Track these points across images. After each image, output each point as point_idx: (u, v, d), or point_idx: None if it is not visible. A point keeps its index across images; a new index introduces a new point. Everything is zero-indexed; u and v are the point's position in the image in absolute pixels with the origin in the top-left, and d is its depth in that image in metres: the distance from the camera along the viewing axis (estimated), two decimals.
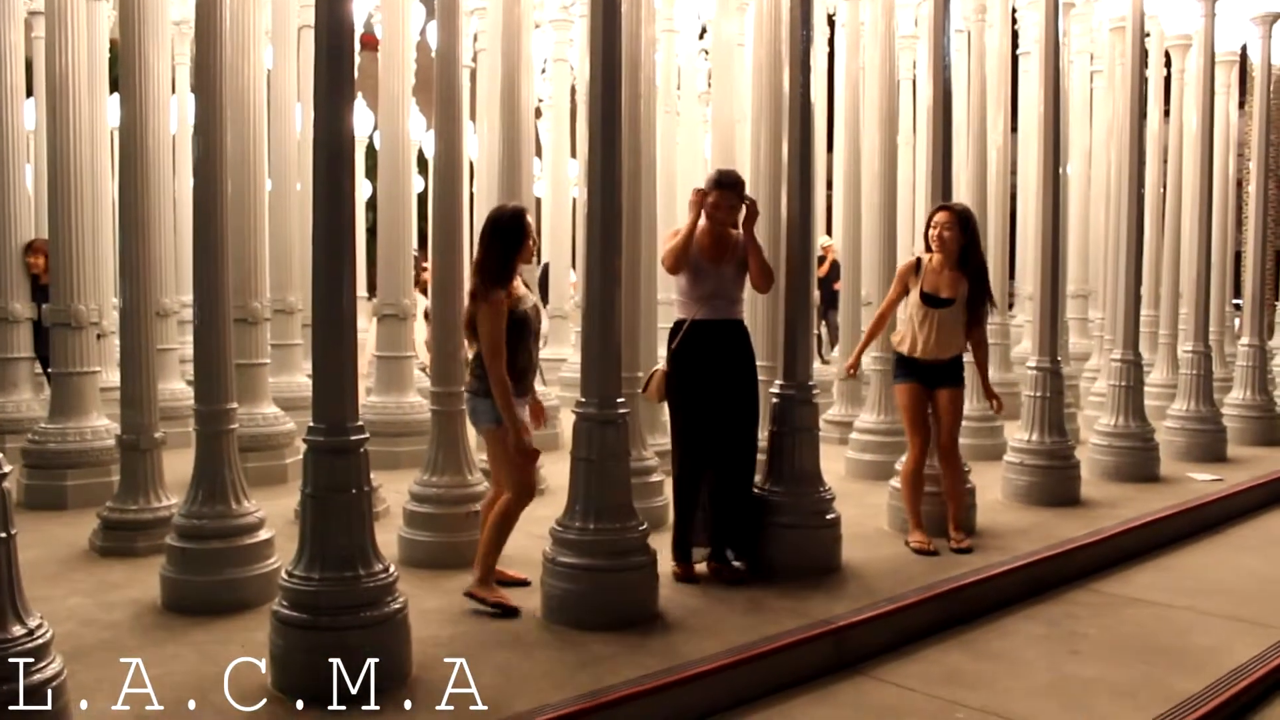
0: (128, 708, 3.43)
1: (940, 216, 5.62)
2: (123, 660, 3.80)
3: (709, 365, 4.91)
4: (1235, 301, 11.33)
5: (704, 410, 4.89)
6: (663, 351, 6.08)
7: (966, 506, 5.77)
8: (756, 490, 5.13)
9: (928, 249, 5.69)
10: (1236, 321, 11.24)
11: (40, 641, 3.04)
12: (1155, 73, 10.26)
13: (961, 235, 5.57)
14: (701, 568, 4.92)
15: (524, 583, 4.60)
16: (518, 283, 4.47)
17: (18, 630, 2.99)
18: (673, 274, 4.99)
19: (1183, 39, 9.35)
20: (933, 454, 5.68)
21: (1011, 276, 10.52)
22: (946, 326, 5.56)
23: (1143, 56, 8.24)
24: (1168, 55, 10.14)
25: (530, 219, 4.52)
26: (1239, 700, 4.05)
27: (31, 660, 2.99)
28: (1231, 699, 4.01)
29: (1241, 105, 11.64)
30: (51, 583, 4.69)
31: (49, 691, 3.01)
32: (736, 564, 4.94)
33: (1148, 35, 9.69)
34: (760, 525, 5.02)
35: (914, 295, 5.63)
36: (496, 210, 4.56)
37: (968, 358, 5.79)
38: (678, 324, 4.98)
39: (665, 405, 5.16)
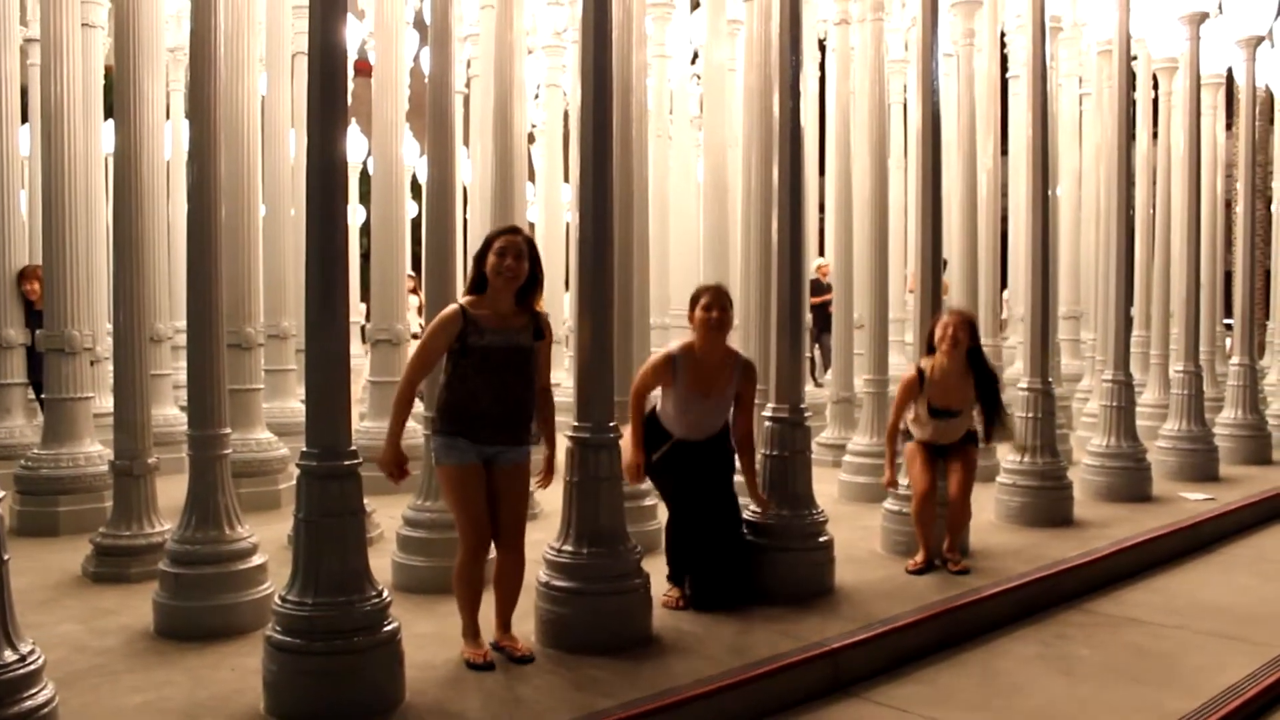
0: None
1: (951, 318, 5.67)
2: (115, 686, 3.79)
3: (692, 476, 4.94)
4: (1226, 321, 11.39)
5: (690, 503, 4.93)
6: None
7: (966, 531, 5.78)
8: (749, 514, 5.14)
9: (929, 351, 5.70)
10: (1227, 341, 11.30)
11: (32, 668, 3.04)
12: (1143, 95, 10.37)
13: (970, 339, 5.62)
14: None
15: (525, 659, 4.05)
16: (502, 312, 4.03)
17: (9, 656, 2.99)
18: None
19: (1169, 62, 9.44)
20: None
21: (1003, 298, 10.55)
22: (955, 426, 5.68)
23: (1130, 79, 8.31)
24: (1155, 78, 10.24)
25: (512, 240, 4.06)
26: None
27: (23, 686, 2.99)
28: (1225, 718, 4.01)
29: (1229, 127, 11.74)
30: (43, 609, 4.68)
31: (40, 718, 3.01)
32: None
33: (1135, 58, 9.79)
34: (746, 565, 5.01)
35: (921, 409, 5.66)
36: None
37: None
38: (658, 432, 4.93)
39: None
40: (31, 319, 7.25)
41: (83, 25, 6.60)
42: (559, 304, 10.71)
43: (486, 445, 4.03)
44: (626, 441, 4.67)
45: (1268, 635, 4.92)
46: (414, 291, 12.51)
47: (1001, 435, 5.95)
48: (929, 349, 5.71)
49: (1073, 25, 10.46)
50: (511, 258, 4.02)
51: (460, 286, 4.79)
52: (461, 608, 4.09)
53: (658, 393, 4.98)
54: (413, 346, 9.01)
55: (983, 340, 5.89)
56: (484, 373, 3.99)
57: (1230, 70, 10.26)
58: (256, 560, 4.55)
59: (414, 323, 10.64)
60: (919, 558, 5.54)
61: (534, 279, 4.09)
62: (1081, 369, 11.23)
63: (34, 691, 3.03)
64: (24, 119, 8.11)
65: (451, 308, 4.06)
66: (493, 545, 4.12)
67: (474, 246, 4.76)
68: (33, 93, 8.32)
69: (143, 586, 4.76)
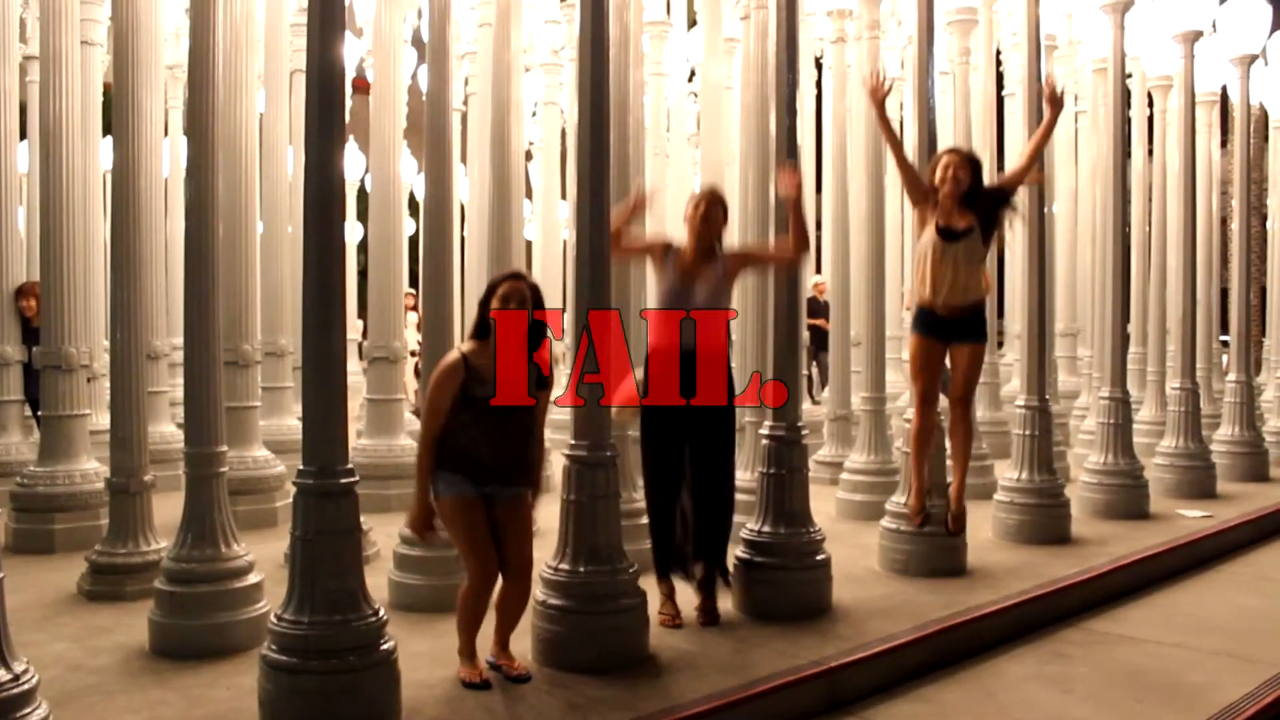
0: None
1: (949, 157, 5.45)
2: (109, 706, 3.77)
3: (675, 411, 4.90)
4: (1222, 338, 11.41)
5: (670, 450, 4.90)
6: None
7: (967, 469, 5.63)
8: (746, 533, 5.13)
9: (932, 189, 5.46)
10: (1224, 358, 11.31)
11: (26, 687, 3.02)
12: (1138, 113, 10.41)
13: (971, 176, 5.42)
14: (690, 616, 4.86)
15: (522, 679, 4.05)
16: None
17: (3, 675, 2.98)
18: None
19: (1164, 80, 9.49)
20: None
21: (1000, 315, 10.58)
22: (964, 264, 5.36)
23: (1125, 97, 8.36)
24: (1150, 95, 10.28)
25: (513, 286, 4.05)
26: None
27: (17, 706, 2.97)
28: None
29: (1224, 144, 11.78)
30: (38, 627, 4.66)
31: None
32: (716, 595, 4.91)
33: (1130, 76, 9.85)
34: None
35: (928, 234, 5.41)
36: None
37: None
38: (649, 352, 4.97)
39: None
40: (28, 336, 7.25)
41: (82, 43, 6.62)
42: (555, 322, 10.70)
43: (481, 485, 4.00)
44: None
45: (1267, 653, 4.91)
46: (412, 309, 12.52)
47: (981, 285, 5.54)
48: (931, 187, 5.46)
49: (1068, 43, 10.51)
50: (515, 303, 4.01)
51: (459, 302, 4.78)
52: (461, 629, 4.05)
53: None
54: (410, 364, 9.02)
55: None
56: (483, 424, 3.97)
57: (1225, 88, 10.30)
58: (253, 578, 4.54)
59: (411, 340, 10.65)
60: (912, 500, 5.47)
61: (538, 329, 4.07)
62: (1079, 386, 11.24)
63: (28, 711, 3.01)
64: (23, 136, 8.13)
65: (453, 356, 4.03)
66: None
67: (471, 264, 4.77)
68: (32, 110, 8.35)
69: (138, 605, 4.74)
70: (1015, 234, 6.61)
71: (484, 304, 4.08)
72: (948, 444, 5.67)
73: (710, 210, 4.98)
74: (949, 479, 5.71)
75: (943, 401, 5.71)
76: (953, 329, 5.46)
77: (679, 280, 4.91)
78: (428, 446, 3.99)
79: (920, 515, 5.45)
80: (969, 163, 5.46)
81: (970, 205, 5.40)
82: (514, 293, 4.02)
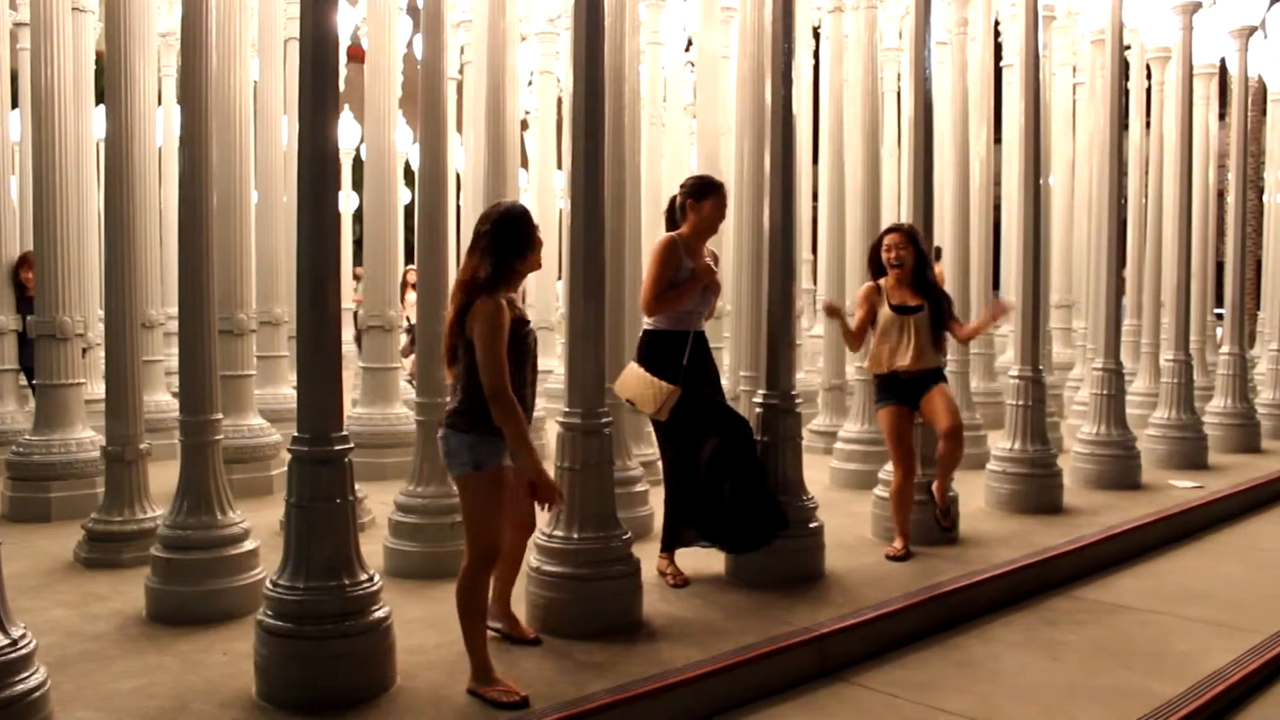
0: (113, 717, 3.44)
1: (892, 238, 5.67)
2: (106, 671, 3.81)
3: (705, 373, 5.00)
4: (1217, 311, 11.43)
5: (705, 417, 4.93)
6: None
7: (953, 475, 5.75)
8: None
9: (877, 273, 5.73)
10: (1218, 330, 11.34)
11: (23, 652, 3.05)
12: (1136, 85, 10.38)
13: (914, 252, 5.64)
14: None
15: (535, 641, 4.08)
16: (514, 299, 3.77)
17: (1, 640, 3.00)
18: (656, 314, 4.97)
19: (1162, 51, 9.45)
20: (923, 465, 5.73)
21: (995, 286, 10.59)
22: (922, 333, 5.59)
23: (1123, 69, 8.32)
24: (1149, 67, 10.25)
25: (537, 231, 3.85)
26: (1215, 704, 4.08)
27: (14, 670, 3.00)
28: (1208, 703, 4.05)
29: (1222, 117, 11.74)
30: (35, 594, 4.69)
31: (31, 702, 3.03)
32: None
33: (1128, 48, 9.81)
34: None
35: (883, 311, 5.66)
36: (496, 205, 3.92)
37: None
38: (666, 336, 4.91)
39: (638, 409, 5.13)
40: (23, 305, 7.24)
41: (73, 9, 6.56)
42: (551, 291, 10.72)
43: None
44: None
45: (1253, 621, 4.96)
46: (415, 286, 12.48)
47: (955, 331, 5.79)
48: (875, 267, 5.74)
49: (1067, 14, 10.46)
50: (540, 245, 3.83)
51: (454, 272, 4.64)
52: (471, 632, 3.65)
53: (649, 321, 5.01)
54: (402, 338, 9.01)
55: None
56: (527, 364, 3.76)
57: (1223, 60, 10.25)
58: (248, 545, 4.57)
59: (415, 317, 10.63)
60: (898, 544, 5.57)
61: None
62: (1073, 357, 11.27)
63: (25, 675, 3.04)
64: (14, 104, 8.08)
65: (494, 300, 3.60)
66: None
67: (466, 234, 4.71)
68: (23, 78, 8.29)
69: (135, 572, 4.78)
70: (1012, 205, 6.62)
71: (520, 246, 3.73)
72: (940, 444, 5.71)
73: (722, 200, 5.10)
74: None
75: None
76: (915, 387, 5.64)
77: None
78: (514, 401, 3.58)
79: (904, 554, 5.52)
80: (909, 240, 5.66)
81: (918, 288, 5.65)
82: (537, 228, 3.82)
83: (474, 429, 3.62)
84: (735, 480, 4.86)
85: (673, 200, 5.13)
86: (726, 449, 4.88)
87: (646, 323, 5.03)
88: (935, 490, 5.72)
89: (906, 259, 5.61)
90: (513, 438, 3.57)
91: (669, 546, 5.06)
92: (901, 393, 5.63)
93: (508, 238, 3.70)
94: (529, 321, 3.81)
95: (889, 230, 5.78)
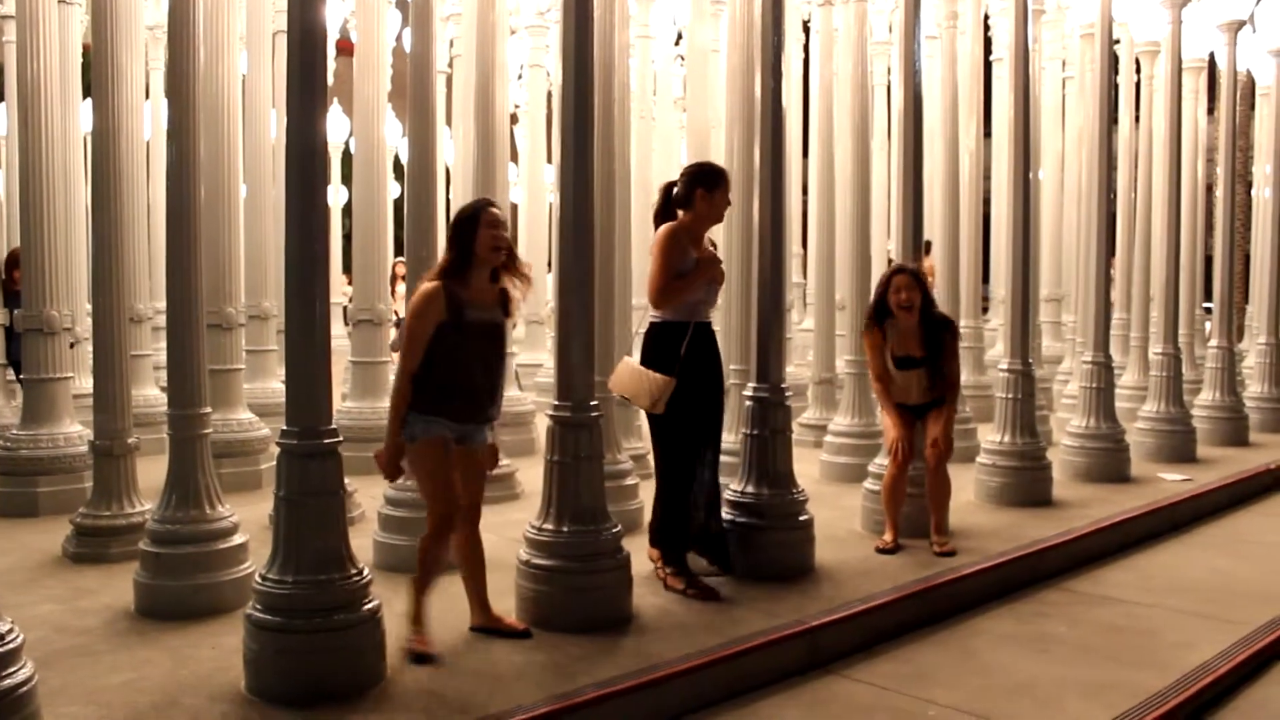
0: (102, 711, 3.42)
1: (901, 279, 5.64)
2: (95, 666, 3.80)
3: (708, 367, 4.87)
4: (1205, 304, 11.46)
5: (703, 413, 4.86)
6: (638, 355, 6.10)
7: (948, 511, 5.76)
8: (730, 494, 5.16)
9: (878, 318, 5.68)
10: (1206, 324, 11.37)
11: (10, 646, 3.04)
12: (1126, 79, 10.39)
13: (920, 294, 5.62)
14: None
15: (525, 634, 4.13)
16: (480, 287, 4.03)
17: None
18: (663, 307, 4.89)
19: (1151, 46, 9.46)
20: (916, 456, 5.71)
21: (985, 280, 10.61)
22: (925, 378, 5.65)
23: (1113, 63, 8.34)
24: (1138, 62, 10.27)
25: (496, 212, 4.10)
26: (1203, 696, 4.10)
27: (1, 665, 2.99)
28: (1196, 695, 4.06)
29: (1211, 111, 11.78)
30: (23, 589, 4.67)
31: (19, 696, 3.01)
32: (709, 578, 4.86)
33: (1118, 42, 9.82)
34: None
35: (886, 359, 5.69)
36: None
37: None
38: (669, 327, 4.80)
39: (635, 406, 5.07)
40: (10, 299, 7.21)
41: (59, 2, 6.53)
42: (542, 285, 10.70)
43: (462, 424, 4.02)
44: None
45: (1240, 613, 4.98)
46: (405, 279, 12.46)
47: (940, 388, 5.72)
48: (878, 310, 5.69)
49: (1056, 9, 10.46)
50: (502, 229, 4.04)
51: None
52: (418, 585, 4.01)
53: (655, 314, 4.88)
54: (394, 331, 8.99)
55: (962, 322, 5.90)
56: (474, 347, 3.98)
57: (1212, 55, 10.29)
58: (237, 539, 4.56)
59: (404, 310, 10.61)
60: (888, 537, 5.58)
61: (512, 250, 4.12)
62: (1062, 351, 11.29)
63: (12, 670, 3.03)
64: (0, 98, 8.03)
65: (431, 285, 4.00)
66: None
67: None
68: (8, 71, 8.23)
69: (123, 566, 4.76)
70: (1002, 199, 6.63)
71: (468, 236, 4.01)
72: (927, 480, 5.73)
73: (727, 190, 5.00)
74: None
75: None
76: (921, 411, 5.72)
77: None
78: (405, 382, 3.94)
79: (893, 547, 5.53)
80: (916, 283, 5.65)
81: (925, 327, 5.63)
82: (498, 219, 4.05)
83: (414, 405, 3.95)
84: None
85: (668, 189, 4.97)
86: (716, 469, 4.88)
87: (652, 315, 4.88)
88: (933, 529, 5.64)
89: (915, 300, 5.60)
90: (391, 416, 3.97)
91: (664, 549, 4.88)
92: (908, 409, 5.73)
93: (457, 228, 4.05)
94: (484, 308, 4.01)
95: (897, 271, 5.74)
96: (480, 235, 3.99)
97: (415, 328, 3.95)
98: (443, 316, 3.93)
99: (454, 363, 3.95)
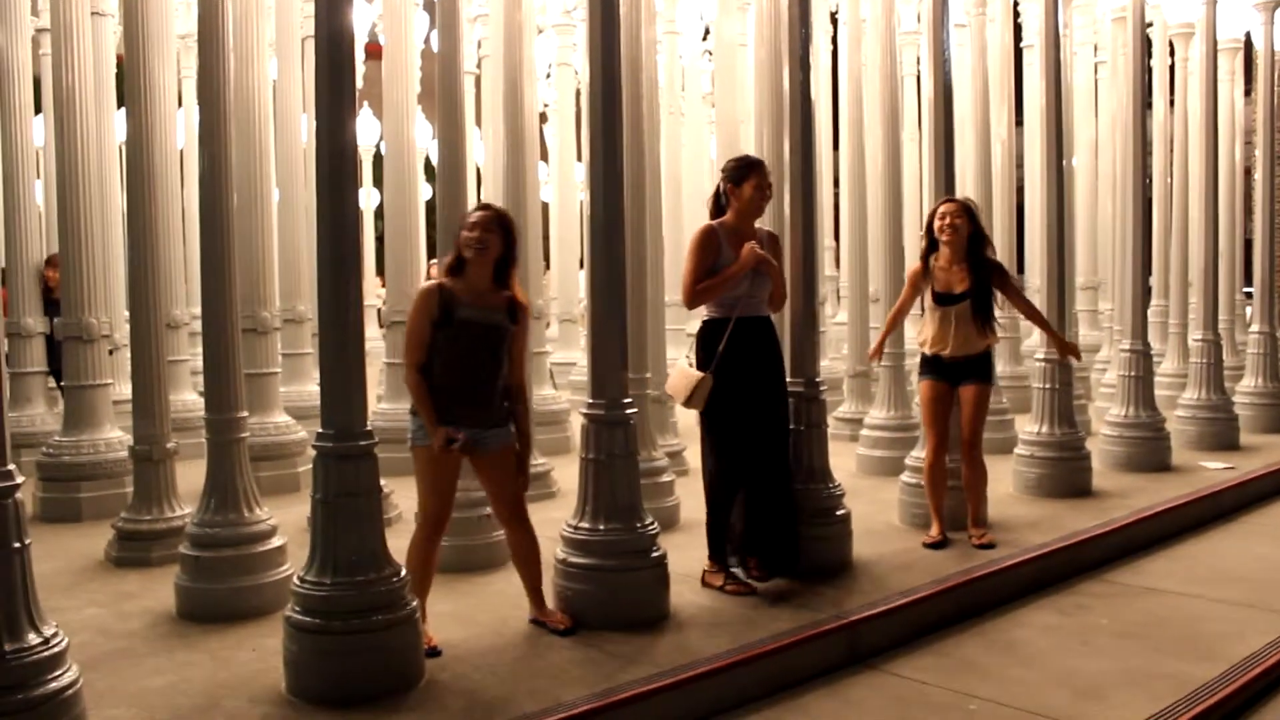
0: (145, 714, 3.46)
1: (947, 207, 5.55)
2: (138, 668, 3.84)
3: (753, 363, 4.77)
4: (1246, 289, 11.29)
5: (746, 412, 4.75)
6: (673, 354, 6.10)
7: (986, 502, 5.70)
8: None
9: (930, 244, 5.60)
10: (1247, 309, 11.21)
11: (56, 650, 3.08)
12: (1159, 62, 10.25)
13: (970, 224, 5.51)
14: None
15: (567, 631, 4.13)
16: (479, 289, 4.03)
17: (33, 639, 3.03)
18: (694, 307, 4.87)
19: (1185, 27, 9.33)
20: (953, 448, 5.64)
21: (1020, 270, 10.51)
22: (965, 321, 5.48)
23: (1146, 46, 8.22)
24: (1171, 44, 10.12)
25: (481, 214, 4.09)
26: (1252, 688, 4.04)
27: (47, 668, 3.03)
28: (1244, 686, 4.00)
29: (1247, 93, 11.59)
30: (67, 594, 4.73)
31: (64, 699, 3.05)
32: (754, 576, 4.80)
33: (1150, 25, 9.68)
34: (796, 533, 4.90)
35: (927, 298, 5.58)
36: None
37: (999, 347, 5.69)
38: (711, 324, 4.78)
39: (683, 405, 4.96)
40: (49, 308, 7.30)
41: (92, 14, 6.62)
42: (574, 283, 10.71)
43: (465, 426, 3.95)
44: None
45: None
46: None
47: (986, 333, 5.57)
48: (929, 242, 5.59)
49: None
50: (480, 230, 4.01)
51: None
52: (415, 589, 3.88)
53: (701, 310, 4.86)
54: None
55: (997, 311, 5.76)
56: (458, 347, 3.98)
57: (1248, 34, 10.13)
58: (276, 542, 4.59)
59: None
60: (934, 530, 5.52)
61: (508, 255, 4.07)
62: (1100, 339, 11.17)
63: (58, 673, 3.06)
64: (37, 109, 8.14)
65: (429, 283, 4.13)
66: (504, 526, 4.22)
67: None
68: (45, 83, 8.34)
69: (164, 570, 4.81)
70: (1035, 187, 6.55)
71: (456, 235, 4.12)
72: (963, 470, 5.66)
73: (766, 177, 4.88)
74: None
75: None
76: (958, 371, 5.55)
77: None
78: (411, 374, 3.99)
79: (940, 539, 5.47)
80: (965, 211, 5.54)
81: (972, 265, 5.49)
82: (481, 220, 4.03)
83: (413, 410, 4.06)
84: (765, 510, 4.78)
85: (717, 189, 4.95)
86: (761, 475, 4.78)
87: (702, 313, 4.89)
88: (970, 522, 5.59)
89: (961, 228, 5.45)
90: (418, 409, 4.01)
91: (718, 556, 4.84)
92: (943, 371, 5.55)
93: (457, 229, 4.13)
94: (479, 307, 3.99)
95: (945, 200, 5.65)
96: (461, 234, 4.07)
97: (411, 324, 4.05)
98: (435, 314, 3.97)
99: (444, 361, 3.98)
